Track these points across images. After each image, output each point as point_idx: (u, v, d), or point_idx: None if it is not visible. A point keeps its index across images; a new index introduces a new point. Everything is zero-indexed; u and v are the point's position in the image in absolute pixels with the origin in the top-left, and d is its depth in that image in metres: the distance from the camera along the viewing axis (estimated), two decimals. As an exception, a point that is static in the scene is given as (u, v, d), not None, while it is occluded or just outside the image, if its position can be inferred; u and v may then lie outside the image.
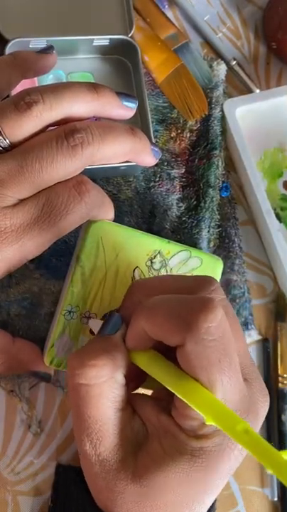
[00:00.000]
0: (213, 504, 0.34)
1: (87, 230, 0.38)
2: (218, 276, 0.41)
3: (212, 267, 0.40)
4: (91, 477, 0.31)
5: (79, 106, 0.33)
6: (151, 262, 0.39)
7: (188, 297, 0.30)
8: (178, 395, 0.28)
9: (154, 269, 0.39)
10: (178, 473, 0.29)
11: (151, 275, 0.39)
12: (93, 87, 0.34)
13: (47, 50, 0.38)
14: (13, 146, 0.32)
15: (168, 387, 0.29)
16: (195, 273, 0.40)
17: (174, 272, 0.39)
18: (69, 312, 0.38)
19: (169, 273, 0.39)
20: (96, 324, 0.35)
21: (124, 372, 0.31)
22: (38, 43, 0.44)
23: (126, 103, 0.35)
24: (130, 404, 0.32)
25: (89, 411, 0.30)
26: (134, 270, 0.39)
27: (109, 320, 0.33)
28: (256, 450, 0.25)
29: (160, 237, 0.40)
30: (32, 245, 0.32)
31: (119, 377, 0.31)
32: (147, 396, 0.33)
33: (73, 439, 0.43)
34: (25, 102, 0.31)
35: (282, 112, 0.51)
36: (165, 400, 0.32)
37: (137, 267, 0.39)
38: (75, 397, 0.31)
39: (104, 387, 0.30)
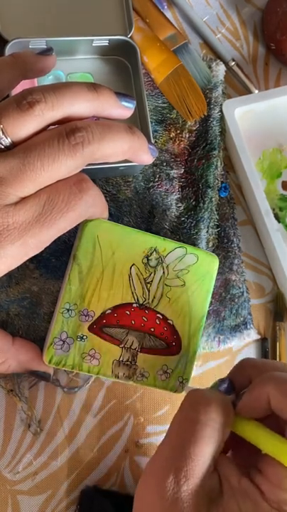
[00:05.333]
0: None
1: (83, 229, 0.39)
2: (214, 273, 0.41)
3: (208, 264, 0.41)
4: (149, 506, 0.31)
5: (79, 105, 0.33)
6: (147, 260, 0.40)
7: None
8: (283, 462, 0.30)
9: (150, 266, 0.40)
10: None
11: (148, 272, 0.39)
12: (93, 86, 0.34)
13: (47, 51, 0.38)
14: (14, 145, 0.32)
15: (272, 454, 0.30)
16: (192, 269, 0.40)
17: (171, 269, 0.40)
18: (67, 310, 0.38)
19: (165, 270, 0.40)
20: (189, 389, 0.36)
21: (229, 432, 0.33)
22: (38, 43, 0.44)
23: (125, 103, 0.36)
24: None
25: (192, 447, 0.31)
26: (131, 267, 0.39)
27: (227, 383, 0.35)
28: None
29: (155, 234, 0.40)
30: (34, 242, 0.32)
31: (227, 433, 0.33)
32: (229, 457, 0.34)
33: (73, 438, 0.43)
34: (27, 102, 0.31)
35: (281, 112, 0.51)
36: (246, 466, 0.33)
37: (133, 264, 0.39)
38: (187, 428, 0.32)
39: (216, 433, 0.32)
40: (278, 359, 0.47)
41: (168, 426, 0.33)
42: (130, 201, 0.46)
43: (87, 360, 0.38)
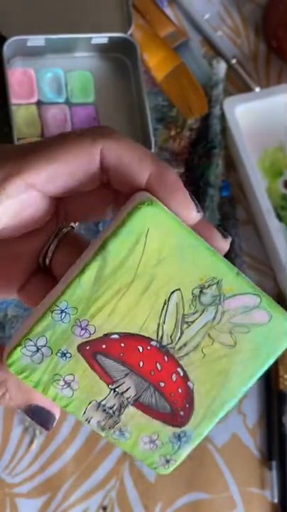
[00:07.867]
0: None
1: (133, 213, 0.26)
2: (282, 347, 0.28)
3: (279, 330, 0.28)
4: None
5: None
6: (201, 292, 0.28)
7: None
8: None
9: (200, 302, 0.28)
10: None
11: (192, 308, 0.29)
12: None
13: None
14: None
15: None
16: (255, 330, 0.28)
17: (226, 317, 0.29)
18: (62, 312, 0.28)
19: (219, 316, 0.29)
20: None
21: None
22: (36, 41, 0.44)
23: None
24: None
25: None
26: (173, 292, 0.28)
27: None
28: None
29: (230, 263, 0.28)
30: None
31: None
32: None
33: (72, 440, 0.42)
34: None
35: (282, 110, 0.51)
36: None
37: (179, 289, 0.28)
38: None
39: None
40: (279, 360, 0.47)
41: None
42: (130, 200, 0.46)
43: (58, 386, 0.27)
